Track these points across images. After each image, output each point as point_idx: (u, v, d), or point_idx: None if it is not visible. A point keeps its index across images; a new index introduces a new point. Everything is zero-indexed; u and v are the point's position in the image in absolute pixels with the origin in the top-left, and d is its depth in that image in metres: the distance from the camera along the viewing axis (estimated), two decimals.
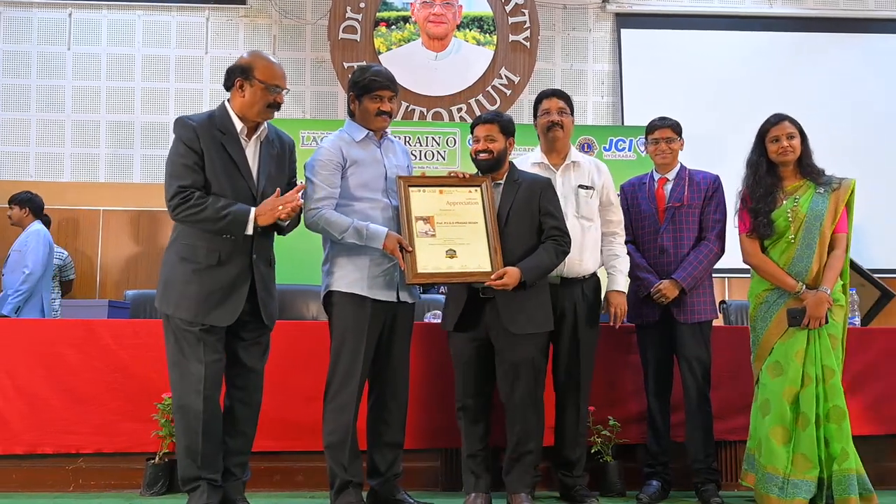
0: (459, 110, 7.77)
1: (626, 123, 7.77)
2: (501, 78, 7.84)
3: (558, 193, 3.62)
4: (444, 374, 3.63)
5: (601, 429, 3.80)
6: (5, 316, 5.42)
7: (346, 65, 7.67)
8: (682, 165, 3.93)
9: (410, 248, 3.27)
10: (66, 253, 6.87)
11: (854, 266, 4.84)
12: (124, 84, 7.78)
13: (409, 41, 7.82)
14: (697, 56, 7.97)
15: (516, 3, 7.85)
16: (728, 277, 7.55)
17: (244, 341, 3.23)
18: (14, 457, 3.74)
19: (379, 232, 3.27)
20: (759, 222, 3.58)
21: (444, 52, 7.84)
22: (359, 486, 3.29)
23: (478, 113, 7.39)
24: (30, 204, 6.35)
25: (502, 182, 3.51)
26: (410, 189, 3.39)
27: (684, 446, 3.77)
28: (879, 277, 5.40)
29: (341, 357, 3.27)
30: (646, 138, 3.99)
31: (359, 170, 3.37)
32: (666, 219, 3.83)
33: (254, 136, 3.24)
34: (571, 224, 3.62)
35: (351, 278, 3.31)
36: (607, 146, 7.33)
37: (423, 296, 4.78)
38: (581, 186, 3.73)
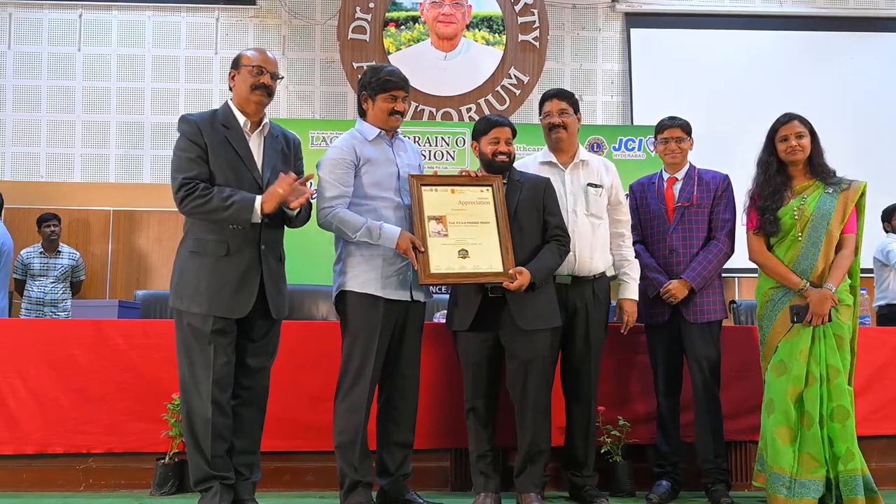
0: (469, 110, 7.75)
1: (635, 123, 7.77)
2: (511, 78, 7.82)
3: (567, 192, 3.64)
4: (455, 374, 3.62)
5: (611, 429, 3.79)
6: None
7: (355, 65, 7.67)
8: (691, 165, 3.92)
9: (423, 249, 3.27)
10: (77, 254, 6.89)
11: None
12: (135, 85, 7.81)
13: (418, 41, 7.81)
14: (707, 55, 7.95)
15: (525, 3, 7.83)
16: (738, 277, 7.53)
17: (253, 342, 3.24)
18: (25, 456, 3.75)
19: (392, 232, 3.27)
20: (765, 219, 3.56)
21: (454, 52, 7.83)
22: (368, 486, 3.29)
23: (487, 112, 7.38)
24: None
25: (506, 182, 3.52)
26: (423, 188, 3.39)
27: (694, 446, 3.76)
28: None
29: (353, 357, 3.27)
30: (655, 138, 3.98)
31: (372, 169, 3.37)
32: (675, 218, 3.82)
33: (257, 130, 3.27)
34: (581, 222, 3.62)
35: (364, 278, 3.31)
36: (617, 146, 7.33)
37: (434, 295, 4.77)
38: (590, 184, 3.72)
